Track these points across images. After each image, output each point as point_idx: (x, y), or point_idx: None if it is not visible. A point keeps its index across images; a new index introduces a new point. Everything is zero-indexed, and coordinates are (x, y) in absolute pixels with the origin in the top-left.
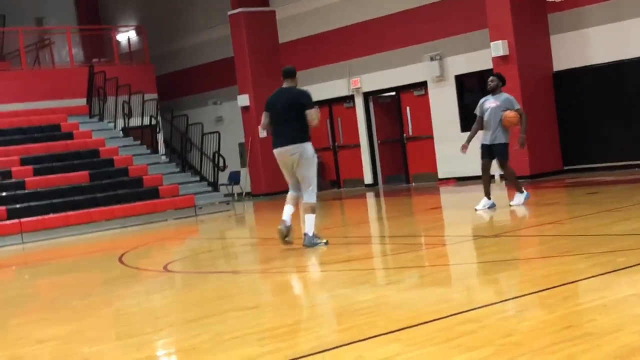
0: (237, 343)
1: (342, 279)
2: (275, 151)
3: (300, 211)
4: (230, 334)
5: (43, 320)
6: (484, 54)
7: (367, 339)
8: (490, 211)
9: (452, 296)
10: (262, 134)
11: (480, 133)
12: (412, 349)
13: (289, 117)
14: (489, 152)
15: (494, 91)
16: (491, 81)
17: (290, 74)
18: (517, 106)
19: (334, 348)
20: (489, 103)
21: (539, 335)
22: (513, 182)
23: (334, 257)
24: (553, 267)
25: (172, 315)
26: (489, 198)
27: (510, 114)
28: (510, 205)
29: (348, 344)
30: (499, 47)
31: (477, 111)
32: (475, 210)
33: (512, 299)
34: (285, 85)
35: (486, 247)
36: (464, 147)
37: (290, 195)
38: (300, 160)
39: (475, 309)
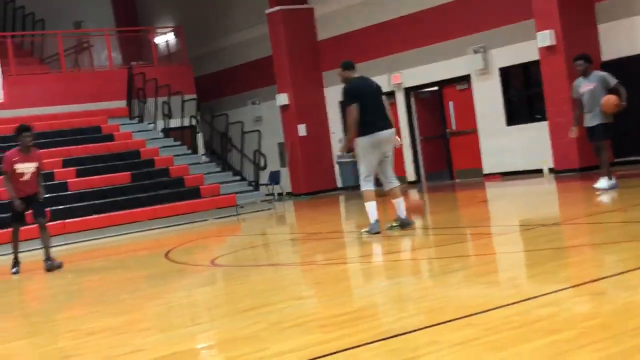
0: (297, 331)
1: (400, 268)
2: (381, 134)
3: (392, 198)
4: (288, 322)
5: (92, 313)
6: (529, 45)
7: (438, 324)
8: (609, 192)
9: (522, 282)
10: (354, 127)
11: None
12: (489, 333)
13: (379, 103)
14: (593, 134)
15: (584, 74)
16: (579, 65)
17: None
18: (614, 81)
19: (404, 334)
20: (584, 86)
21: (626, 317)
22: (604, 166)
23: (388, 248)
24: (629, 251)
25: (225, 306)
26: (610, 178)
27: (608, 101)
28: (595, 189)
29: (419, 329)
30: (546, 38)
31: (574, 95)
32: (596, 189)
33: (589, 282)
34: (357, 74)
35: (552, 234)
36: (573, 132)
37: (374, 191)
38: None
39: (550, 293)
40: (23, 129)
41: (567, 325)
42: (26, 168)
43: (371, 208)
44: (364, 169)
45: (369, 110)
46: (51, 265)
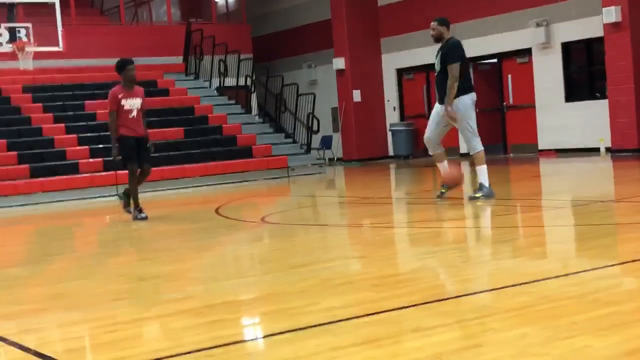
0: (349, 288)
1: (451, 235)
2: (475, 96)
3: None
4: (340, 279)
5: (144, 260)
6: (594, 20)
7: (491, 290)
8: None
9: (578, 254)
10: (455, 86)
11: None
12: (545, 301)
13: (469, 66)
14: None
15: None
16: None
17: None
18: None
19: (456, 297)
20: None
21: None
22: None
23: (445, 214)
24: None
25: (276, 261)
26: None
27: None
28: None
29: (471, 293)
30: (612, 14)
31: None
32: None
33: None
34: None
35: (608, 210)
36: None
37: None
38: None
39: (608, 266)
40: (126, 62)
41: (626, 298)
42: (133, 104)
43: (485, 171)
44: (473, 128)
45: (467, 70)
46: (142, 216)
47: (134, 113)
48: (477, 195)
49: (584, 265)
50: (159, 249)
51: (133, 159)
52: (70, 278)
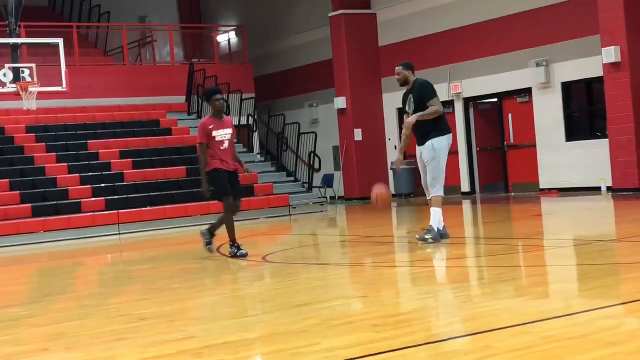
0: (350, 328)
1: (452, 275)
2: (451, 138)
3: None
4: (341, 319)
5: (145, 300)
6: (593, 60)
7: (493, 330)
8: None
9: (579, 294)
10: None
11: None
12: (546, 342)
13: None
14: None
15: None
16: None
17: None
18: None
19: (458, 337)
20: None
21: None
22: None
23: (440, 255)
24: None
25: (277, 300)
26: None
27: None
28: None
29: (472, 334)
30: (611, 54)
31: None
32: None
33: None
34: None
35: (610, 250)
36: None
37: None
38: None
39: (609, 306)
40: (213, 91)
41: (628, 338)
42: (224, 135)
43: (440, 215)
44: (442, 171)
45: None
46: (242, 253)
47: (226, 144)
48: (420, 236)
49: (586, 306)
50: (159, 288)
51: (229, 193)
52: (71, 318)
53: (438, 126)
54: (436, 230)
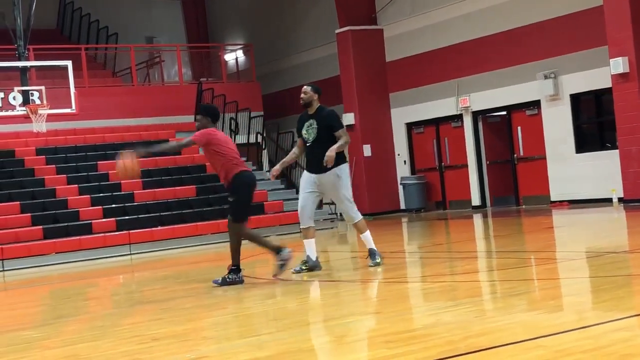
0: (362, 345)
1: (464, 290)
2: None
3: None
4: (353, 336)
5: (157, 320)
6: (602, 72)
7: (506, 344)
8: None
9: (592, 306)
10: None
11: None
12: (560, 355)
13: None
14: None
15: None
16: None
17: None
18: None
19: (471, 352)
20: None
21: None
22: None
23: (458, 268)
24: None
25: (289, 318)
26: None
27: None
28: None
29: (486, 349)
30: (619, 64)
31: None
32: None
33: None
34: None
35: (623, 261)
36: None
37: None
38: None
39: (622, 318)
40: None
41: None
42: None
43: (371, 237)
44: (351, 197)
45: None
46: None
47: None
48: (372, 262)
49: (599, 318)
50: (171, 308)
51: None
52: (84, 339)
53: (341, 155)
54: (376, 249)
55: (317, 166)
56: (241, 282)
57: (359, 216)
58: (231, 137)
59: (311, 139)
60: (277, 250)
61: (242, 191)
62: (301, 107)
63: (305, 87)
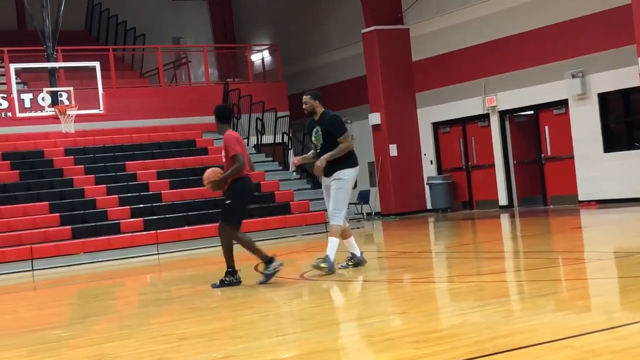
0: (389, 345)
1: (491, 290)
2: (358, 170)
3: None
4: (381, 336)
5: (185, 319)
6: (630, 71)
7: (535, 345)
8: None
9: (621, 307)
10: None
11: None
12: (590, 355)
13: None
14: None
15: None
16: None
17: None
18: None
19: (499, 353)
20: None
21: None
22: None
23: (485, 268)
24: None
25: (316, 317)
26: None
27: None
28: None
29: (514, 349)
30: None
31: None
32: None
33: None
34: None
35: None
36: None
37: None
38: None
39: None
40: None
41: None
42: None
43: (336, 245)
44: (346, 202)
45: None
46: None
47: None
48: (322, 265)
49: (627, 319)
50: (199, 307)
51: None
52: (113, 338)
53: (347, 160)
54: (332, 260)
55: (326, 170)
56: (238, 283)
57: (340, 222)
58: (257, 137)
59: (319, 145)
60: (267, 260)
61: (240, 196)
62: (327, 107)
63: (304, 96)
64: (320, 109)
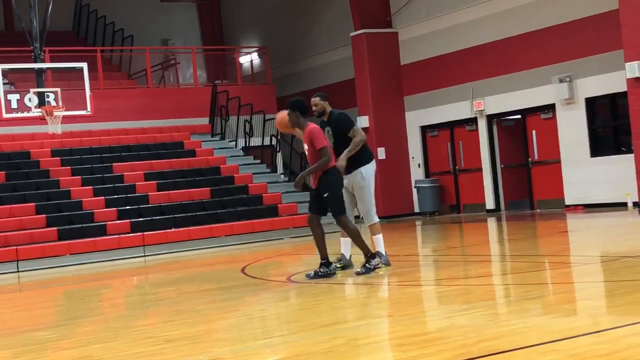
0: (375, 348)
1: (478, 293)
2: (375, 164)
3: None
4: (366, 339)
5: (170, 322)
6: (617, 75)
7: (521, 348)
8: None
9: (607, 311)
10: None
11: None
12: (574, 359)
13: None
14: None
15: None
16: None
17: None
18: None
19: (485, 356)
20: None
21: None
22: None
23: (472, 272)
24: None
25: (303, 320)
26: None
27: None
28: None
29: (500, 352)
30: (635, 68)
31: None
32: None
33: None
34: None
35: (637, 266)
36: None
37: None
38: None
39: (638, 322)
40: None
41: None
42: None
43: (382, 240)
44: (373, 198)
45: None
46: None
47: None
48: (373, 263)
49: (614, 323)
50: (185, 309)
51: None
52: (98, 341)
53: (363, 154)
54: (384, 254)
55: (345, 169)
56: (333, 274)
57: (375, 219)
58: (245, 139)
59: (331, 144)
60: (371, 255)
61: (334, 187)
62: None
63: (313, 98)
64: (329, 109)
